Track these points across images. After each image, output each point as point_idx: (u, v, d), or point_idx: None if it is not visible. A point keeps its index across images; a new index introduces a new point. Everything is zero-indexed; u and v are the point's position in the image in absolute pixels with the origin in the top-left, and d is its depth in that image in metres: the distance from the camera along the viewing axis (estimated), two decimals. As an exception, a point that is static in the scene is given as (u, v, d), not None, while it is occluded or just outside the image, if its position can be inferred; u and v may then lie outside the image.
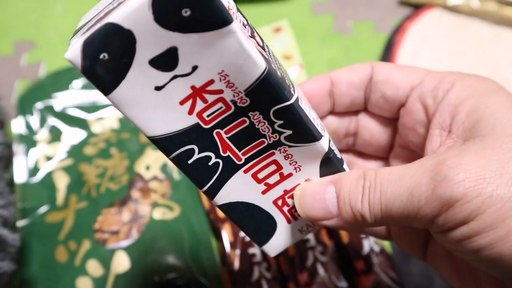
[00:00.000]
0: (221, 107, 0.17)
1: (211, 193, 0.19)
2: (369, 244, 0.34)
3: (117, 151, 0.40)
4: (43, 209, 0.36)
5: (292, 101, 0.18)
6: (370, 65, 0.22)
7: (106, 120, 0.43)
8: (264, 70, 0.16)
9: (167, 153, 0.18)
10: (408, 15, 0.54)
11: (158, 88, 0.16)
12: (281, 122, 0.18)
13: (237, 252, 0.34)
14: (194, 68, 0.16)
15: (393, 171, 0.18)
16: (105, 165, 0.39)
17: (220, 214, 0.36)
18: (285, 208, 0.21)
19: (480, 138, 0.17)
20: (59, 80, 0.45)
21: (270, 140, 0.18)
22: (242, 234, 0.35)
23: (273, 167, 0.19)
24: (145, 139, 0.40)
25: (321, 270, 0.33)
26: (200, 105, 0.17)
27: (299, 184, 0.20)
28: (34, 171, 0.39)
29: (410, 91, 0.21)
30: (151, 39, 0.15)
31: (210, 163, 0.18)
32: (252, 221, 0.21)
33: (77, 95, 0.44)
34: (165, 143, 0.18)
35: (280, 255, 0.34)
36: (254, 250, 0.34)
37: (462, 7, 0.53)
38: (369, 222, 0.18)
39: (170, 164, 0.39)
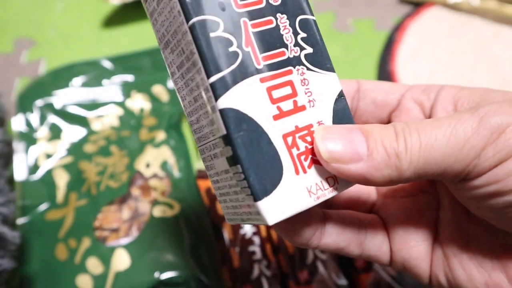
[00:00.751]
0: None
1: (221, 88, 0.17)
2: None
3: (117, 148, 0.40)
4: (43, 206, 0.36)
5: (315, 19, 0.19)
6: (356, 80, 0.22)
7: (106, 118, 0.42)
8: None
9: (193, 13, 0.17)
10: (408, 13, 0.54)
11: None
12: (305, 35, 0.18)
13: (237, 249, 0.34)
14: None
15: (424, 120, 0.17)
16: (105, 163, 0.39)
17: (220, 212, 0.36)
18: (294, 152, 0.17)
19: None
20: (59, 78, 0.44)
21: (291, 54, 0.18)
22: (242, 231, 0.35)
23: (288, 90, 0.18)
24: (145, 137, 0.40)
25: (321, 268, 0.33)
26: None
27: (311, 125, 0.18)
28: (34, 168, 0.38)
29: (400, 96, 0.21)
30: None
31: (230, 49, 0.17)
32: (257, 152, 0.17)
33: (77, 92, 0.43)
34: (194, 3, 0.17)
35: (280, 252, 0.34)
36: (254, 248, 0.34)
37: (462, 5, 0.53)
38: (404, 165, 0.16)
39: (170, 162, 0.38)
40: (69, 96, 0.43)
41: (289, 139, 0.17)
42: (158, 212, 0.35)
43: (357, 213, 0.21)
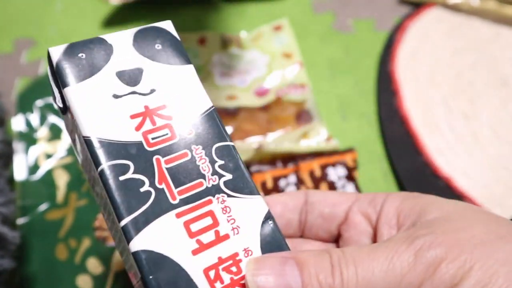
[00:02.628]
0: (167, 134, 0.18)
1: (132, 230, 0.16)
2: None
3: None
4: (43, 206, 0.36)
5: (233, 144, 0.19)
6: (303, 191, 0.22)
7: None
8: (212, 106, 0.19)
9: (100, 160, 0.17)
10: (408, 14, 0.54)
11: (116, 97, 0.18)
12: (222, 162, 0.18)
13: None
14: (152, 91, 0.19)
15: (362, 246, 0.16)
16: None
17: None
18: (218, 286, 0.16)
19: (432, 223, 0.17)
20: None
21: (209, 183, 0.18)
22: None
23: (208, 221, 0.17)
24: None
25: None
26: (148, 125, 0.18)
27: (237, 253, 0.17)
28: (34, 168, 0.38)
29: (347, 208, 0.21)
30: (125, 57, 0.19)
31: (141, 190, 0.17)
32: None
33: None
34: (102, 149, 0.17)
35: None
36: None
37: (462, 5, 0.53)
38: None
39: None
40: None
41: (212, 273, 0.16)
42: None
43: None
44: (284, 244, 0.18)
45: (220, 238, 0.17)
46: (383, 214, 0.19)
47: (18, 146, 0.40)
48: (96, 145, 0.17)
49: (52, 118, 0.42)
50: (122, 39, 0.19)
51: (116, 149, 0.17)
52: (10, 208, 0.31)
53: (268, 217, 0.18)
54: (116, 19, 0.54)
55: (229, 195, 0.18)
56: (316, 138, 0.41)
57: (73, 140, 0.20)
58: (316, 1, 0.56)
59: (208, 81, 0.45)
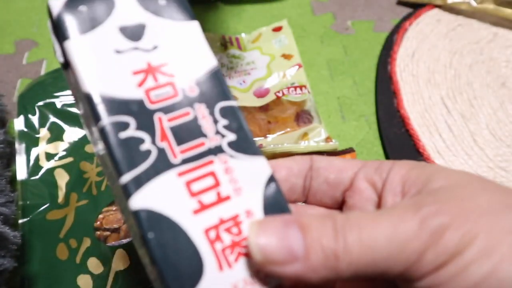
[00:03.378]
0: (169, 92, 0.17)
1: (132, 187, 0.16)
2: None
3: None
4: (44, 206, 0.36)
5: (237, 104, 0.18)
6: (309, 157, 0.22)
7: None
8: (216, 65, 0.18)
9: (101, 116, 0.16)
10: (407, 15, 0.54)
11: (118, 52, 0.17)
12: (226, 122, 0.18)
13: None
14: (155, 47, 0.18)
15: (367, 213, 0.16)
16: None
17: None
18: (218, 246, 0.16)
19: (437, 191, 0.17)
20: (60, 78, 0.44)
21: (211, 143, 0.17)
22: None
23: (210, 181, 0.17)
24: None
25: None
26: (150, 82, 0.17)
27: (238, 215, 0.17)
28: (35, 169, 0.38)
29: (353, 175, 0.21)
30: (128, 12, 0.18)
31: (142, 148, 0.16)
32: (174, 252, 0.15)
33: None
34: (103, 104, 0.16)
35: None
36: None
37: (461, 7, 0.53)
38: (343, 266, 0.15)
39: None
40: (70, 96, 0.43)
41: (212, 233, 0.16)
42: (158, 212, 0.35)
43: None
44: (286, 207, 0.17)
45: (222, 199, 0.17)
46: (389, 182, 0.19)
47: (19, 146, 0.40)
48: (97, 100, 0.16)
49: (53, 119, 0.42)
50: None
51: (117, 105, 0.17)
52: (11, 208, 0.31)
53: (271, 179, 0.18)
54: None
55: (231, 156, 0.17)
56: (315, 138, 0.41)
57: (75, 96, 0.19)
58: (315, 3, 0.56)
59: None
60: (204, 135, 0.17)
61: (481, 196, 0.16)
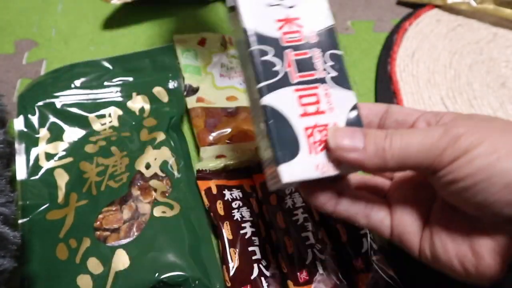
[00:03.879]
0: (298, 36, 0.26)
1: (265, 91, 0.25)
2: (367, 242, 0.33)
3: (117, 149, 0.40)
4: (43, 206, 0.36)
5: (343, 53, 0.27)
6: (387, 104, 0.29)
7: (106, 119, 0.42)
8: (333, 24, 0.27)
9: (251, 44, 0.26)
10: (407, 15, 0.54)
11: (268, 5, 0.27)
12: (332, 63, 0.26)
13: (237, 249, 0.34)
14: (292, 6, 0.27)
15: (409, 129, 0.24)
16: (106, 163, 0.39)
17: (220, 212, 0.36)
18: (311, 139, 0.25)
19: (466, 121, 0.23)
20: (59, 78, 0.44)
21: (319, 75, 0.26)
22: (241, 231, 0.34)
23: (314, 99, 0.25)
24: (146, 137, 0.40)
25: (320, 268, 0.33)
26: (286, 28, 0.26)
27: (327, 124, 0.25)
28: (35, 169, 0.38)
29: (416, 118, 0.27)
30: None
31: (274, 68, 0.25)
32: (283, 134, 0.24)
33: (77, 93, 0.43)
34: (254, 37, 0.26)
35: (279, 252, 0.34)
36: (254, 247, 0.34)
37: (461, 7, 0.53)
38: (388, 157, 0.23)
39: (171, 162, 0.38)
40: (69, 96, 0.43)
41: (309, 131, 0.25)
42: (158, 212, 0.35)
43: (368, 194, 0.28)
44: (361, 125, 0.25)
45: (319, 112, 0.25)
46: (440, 122, 0.25)
47: (19, 146, 0.40)
48: (250, 33, 0.26)
49: (53, 119, 0.42)
50: None
51: (262, 39, 0.26)
52: (11, 208, 0.31)
53: (355, 107, 0.26)
54: (116, 20, 0.54)
55: (331, 86, 0.26)
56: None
57: (234, 32, 0.29)
58: (315, 3, 0.56)
59: (208, 82, 0.45)
60: (315, 69, 0.26)
61: (497, 121, 0.23)
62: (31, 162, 0.39)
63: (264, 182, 0.38)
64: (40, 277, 0.33)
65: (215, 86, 0.45)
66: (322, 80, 0.26)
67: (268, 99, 0.25)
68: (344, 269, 0.33)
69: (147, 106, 0.43)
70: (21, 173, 0.38)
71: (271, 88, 0.25)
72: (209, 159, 0.40)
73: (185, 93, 0.44)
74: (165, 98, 0.44)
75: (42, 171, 0.38)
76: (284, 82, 0.25)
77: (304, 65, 0.26)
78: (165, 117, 0.42)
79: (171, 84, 0.45)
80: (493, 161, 0.21)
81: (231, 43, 0.50)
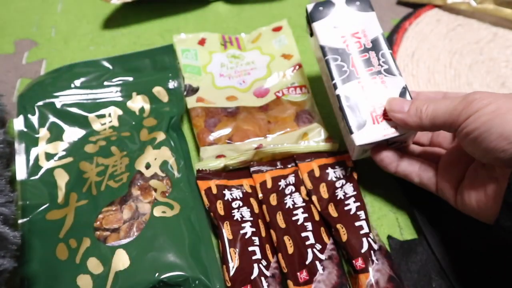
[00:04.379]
0: (357, 45, 0.37)
1: (339, 85, 0.36)
2: (367, 242, 0.34)
3: (117, 149, 0.40)
4: (43, 206, 0.36)
5: (391, 51, 0.37)
6: (444, 92, 0.37)
7: (106, 118, 0.43)
8: (381, 32, 0.38)
9: (327, 54, 0.37)
10: (407, 15, 0.54)
11: (334, 27, 0.38)
12: (384, 59, 0.36)
13: (237, 249, 0.34)
14: (352, 25, 0.38)
15: (441, 99, 0.32)
16: (106, 163, 0.39)
17: (220, 212, 0.36)
18: (374, 114, 0.35)
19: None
20: (59, 78, 0.44)
21: (376, 69, 0.36)
22: (241, 231, 0.35)
23: (374, 85, 0.36)
24: (145, 137, 0.40)
25: (320, 268, 0.33)
26: (349, 41, 0.37)
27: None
28: (35, 169, 0.38)
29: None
30: (339, 8, 0.39)
31: (343, 69, 0.36)
32: (354, 113, 0.35)
33: (77, 93, 0.43)
34: (327, 50, 0.37)
35: (279, 252, 0.34)
36: (254, 247, 0.34)
37: (461, 7, 0.53)
38: (423, 116, 0.31)
39: (170, 162, 0.38)
40: (69, 96, 0.43)
41: (372, 108, 0.35)
42: (158, 212, 0.35)
43: (423, 159, 0.35)
44: (409, 98, 0.35)
45: (379, 94, 0.35)
46: None
47: (19, 146, 0.40)
48: (324, 48, 0.37)
49: (53, 119, 0.42)
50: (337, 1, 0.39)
51: (333, 50, 0.37)
52: (11, 208, 0.31)
53: (405, 87, 0.35)
54: (116, 19, 0.55)
55: (385, 75, 0.36)
56: (315, 138, 0.41)
57: (315, 51, 0.40)
58: (315, 3, 0.56)
59: (208, 82, 0.45)
60: (373, 65, 0.36)
61: (508, 94, 0.28)
62: (31, 162, 0.39)
63: (263, 182, 0.38)
64: (40, 277, 0.33)
65: (215, 86, 0.45)
66: (378, 72, 0.36)
67: (341, 91, 0.36)
68: (344, 269, 0.34)
69: (147, 106, 0.43)
70: (21, 173, 0.38)
71: (342, 82, 0.36)
72: (209, 159, 0.40)
73: (185, 93, 0.44)
74: (165, 98, 0.44)
75: (42, 171, 0.38)
76: (351, 77, 0.36)
77: (365, 64, 0.36)
78: (165, 117, 0.42)
79: (171, 84, 0.45)
80: (493, 117, 0.27)
81: (231, 43, 0.50)
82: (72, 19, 0.55)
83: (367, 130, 0.34)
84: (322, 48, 0.37)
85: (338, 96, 0.35)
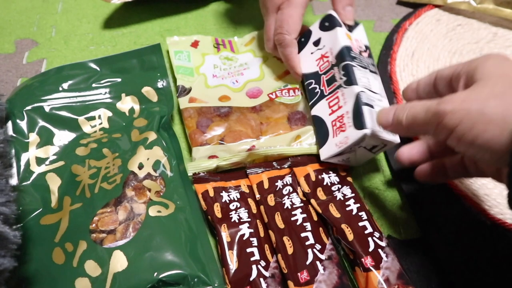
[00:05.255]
0: (327, 64, 0.44)
1: (311, 106, 0.44)
2: (373, 241, 0.36)
3: (109, 151, 0.42)
4: (37, 212, 0.38)
5: (350, 62, 0.42)
6: (435, 72, 0.36)
7: (96, 120, 0.45)
8: (343, 45, 0.43)
9: (304, 81, 0.46)
10: (407, 15, 0.57)
11: (311, 53, 0.46)
12: (343, 72, 0.42)
13: (235, 251, 0.36)
14: (323, 47, 0.45)
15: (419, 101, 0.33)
16: (98, 165, 0.41)
17: (217, 215, 0.38)
18: (335, 128, 0.41)
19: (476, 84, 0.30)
20: (47, 81, 0.47)
21: (338, 83, 0.42)
22: (239, 233, 0.37)
23: (336, 100, 0.42)
24: (137, 138, 0.43)
25: (321, 268, 0.35)
26: (321, 62, 0.45)
27: (343, 115, 0.40)
28: (26, 174, 0.41)
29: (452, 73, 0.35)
30: (315, 34, 0.47)
31: (315, 91, 0.44)
32: (321, 130, 0.42)
33: (66, 95, 0.46)
34: (305, 77, 0.46)
35: (279, 252, 0.36)
36: (252, 249, 0.37)
37: (461, 7, 0.56)
38: (403, 125, 0.33)
39: (163, 162, 0.41)
40: (58, 99, 0.45)
41: (334, 122, 0.41)
42: (153, 212, 0.38)
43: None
44: (362, 101, 0.40)
45: (339, 107, 0.41)
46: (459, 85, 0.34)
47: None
48: (304, 75, 0.46)
49: (42, 123, 0.44)
50: (314, 27, 0.47)
51: (309, 75, 0.46)
52: (11, 208, 0.33)
53: (358, 95, 0.39)
54: (116, 19, 0.58)
55: (344, 87, 0.41)
56: (308, 141, 0.44)
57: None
58: (315, 2, 0.60)
59: (201, 82, 0.49)
60: (336, 81, 0.42)
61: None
62: (22, 167, 0.41)
63: (260, 183, 0.41)
64: (38, 283, 0.35)
65: (208, 86, 0.48)
66: (340, 86, 0.42)
67: (313, 111, 0.44)
68: (344, 268, 0.36)
69: (136, 107, 0.46)
70: (12, 178, 0.40)
71: (314, 103, 0.44)
72: (201, 159, 0.43)
73: (177, 94, 0.47)
74: (154, 97, 0.47)
75: (34, 176, 0.41)
76: (321, 96, 0.43)
77: (330, 81, 0.43)
78: (155, 117, 0.44)
79: (160, 83, 0.47)
80: (474, 98, 0.29)
81: (224, 46, 0.53)
82: (72, 19, 0.58)
83: (329, 144, 0.41)
84: (303, 76, 0.46)
85: (312, 118, 0.44)
